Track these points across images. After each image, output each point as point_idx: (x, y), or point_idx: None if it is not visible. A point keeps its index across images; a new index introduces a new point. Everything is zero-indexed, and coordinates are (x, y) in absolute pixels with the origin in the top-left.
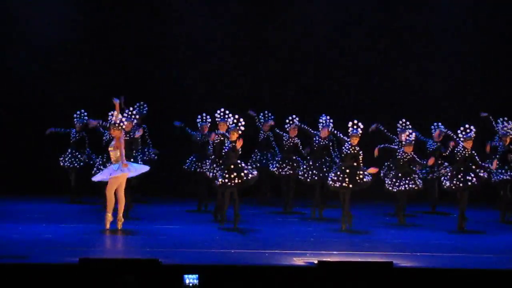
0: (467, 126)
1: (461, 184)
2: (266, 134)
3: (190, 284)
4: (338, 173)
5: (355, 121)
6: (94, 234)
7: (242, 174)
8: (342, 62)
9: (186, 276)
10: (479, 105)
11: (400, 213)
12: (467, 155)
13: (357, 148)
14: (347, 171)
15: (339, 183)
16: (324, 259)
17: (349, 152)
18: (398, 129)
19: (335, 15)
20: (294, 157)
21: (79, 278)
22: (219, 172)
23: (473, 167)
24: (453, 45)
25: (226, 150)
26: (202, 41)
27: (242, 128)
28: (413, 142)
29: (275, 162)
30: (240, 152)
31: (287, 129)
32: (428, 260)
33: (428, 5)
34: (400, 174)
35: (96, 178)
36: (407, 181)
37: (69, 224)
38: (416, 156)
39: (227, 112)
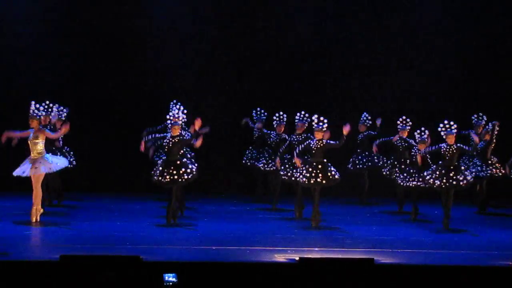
0: (449, 122)
1: (453, 183)
2: (261, 132)
3: (170, 283)
4: (310, 169)
5: (321, 117)
6: (75, 230)
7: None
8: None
9: (165, 274)
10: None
11: (413, 210)
12: (454, 151)
13: (324, 142)
14: (319, 167)
15: (313, 179)
16: (306, 256)
17: (318, 147)
18: (398, 127)
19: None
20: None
21: (60, 275)
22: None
23: (462, 168)
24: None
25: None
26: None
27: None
28: (426, 139)
29: (262, 158)
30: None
31: (274, 125)
32: (409, 256)
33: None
34: (412, 171)
35: (36, 171)
36: (416, 177)
37: (50, 221)
38: (428, 155)
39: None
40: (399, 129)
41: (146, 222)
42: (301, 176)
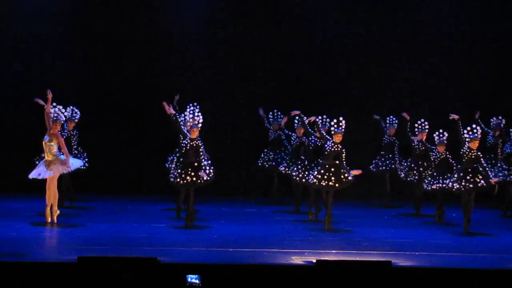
0: (473, 126)
1: (470, 185)
2: (277, 133)
3: (193, 284)
4: (322, 171)
5: (340, 119)
6: (92, 231)
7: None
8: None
9: (188, 276)
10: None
11: (438, 211)
12: (473, 156)
13: (340, 146)
14: (332, 169)
15: (325, 182)
16: (323, 258)
17: (332, 150)
18: (416, 130)
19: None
20: (302, 157)
21: (78, 276)
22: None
23: (480, 168)
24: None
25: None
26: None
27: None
28: (445, 141)
29: (284, 161)
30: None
31: (295, 128)
32: (426, 259)
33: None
34: (435, 174)
35: (52, 173)
36: (439, 180)
37: (66, 222)
38: (449, 156)
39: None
40: (416, 132)
41: (162, 224)
42: (313, 178)
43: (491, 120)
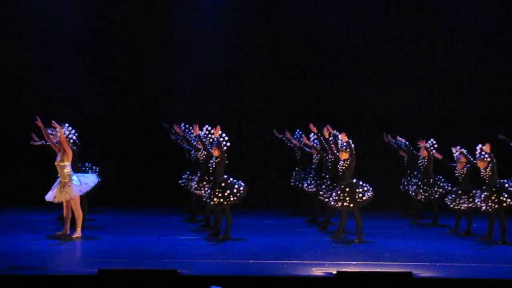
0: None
1: (496, 206)
2: (302, 149)
3: None
4: (339, 192)
5: (344, 137)
6: (111, 245)
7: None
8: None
9: (212, 287)
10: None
11: (467, 228)
12: (490, 172)
13: (348, 162)
14: (347, 189)
15: (340, 203)
16: (343, 270)
17: (343, 168)
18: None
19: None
20: (323, 174)
21: None
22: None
23: (506, 185)
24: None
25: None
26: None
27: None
28: (461, 159)
29: (308, 179)
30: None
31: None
32: (448, 270)
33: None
34: (460, 192)
35: (68, 196)
36: (465, 199)
37: (86, 235)
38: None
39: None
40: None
41: (182, 236)
42: (331, 199)
43: None
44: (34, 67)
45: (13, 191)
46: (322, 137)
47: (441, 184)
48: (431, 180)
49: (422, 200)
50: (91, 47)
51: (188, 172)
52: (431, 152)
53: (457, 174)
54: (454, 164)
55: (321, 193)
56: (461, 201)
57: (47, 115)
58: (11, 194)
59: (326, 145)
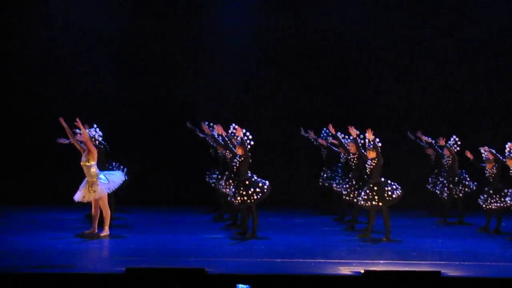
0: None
1: None
2: (325, 151)
3: None
4: (367, 191)
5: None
6: (138, 243)
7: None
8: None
9: (239, 285)
10: None
11: (497, 227)
12: None
13: (376, 161)
14: (375, 188)
15: (369, 202)
16: (371, 269)
17: (371, 167)
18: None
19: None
20: (350, 173)
21: (126, 287)
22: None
23: None
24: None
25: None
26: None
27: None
28: (490, 158)
29: (336, 178)
30: None
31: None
32: (476, 269)
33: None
34: (491, 191)
35: (96, 195)
36: (497, 198)
37: (113, 234)
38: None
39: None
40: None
41: (209, 235)
42: (360, 198)
43: None
44: (62, 67)
45: (43, 190)
46: (332, 137)
47: (466, 183)
48: (456, 178)
49: (447, 198)
50: (122, 46)
51: (217, 172)
52: (454, 150)
53: (488, 174)
54: (483, 165)
55: (344, 192)
56: (492, 201)
57: (74, 115)
58: (40, 194)
59: (340, 146)
